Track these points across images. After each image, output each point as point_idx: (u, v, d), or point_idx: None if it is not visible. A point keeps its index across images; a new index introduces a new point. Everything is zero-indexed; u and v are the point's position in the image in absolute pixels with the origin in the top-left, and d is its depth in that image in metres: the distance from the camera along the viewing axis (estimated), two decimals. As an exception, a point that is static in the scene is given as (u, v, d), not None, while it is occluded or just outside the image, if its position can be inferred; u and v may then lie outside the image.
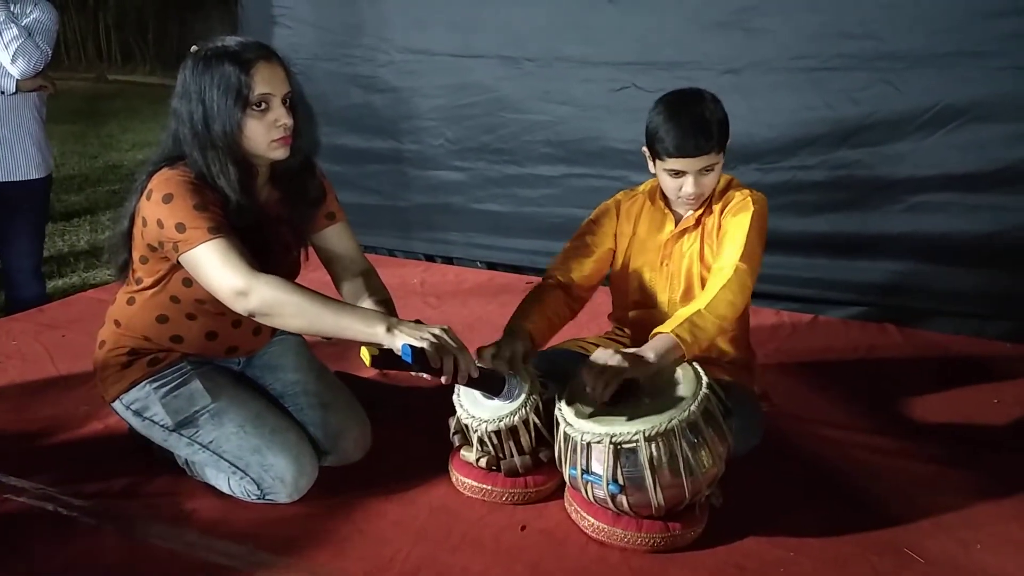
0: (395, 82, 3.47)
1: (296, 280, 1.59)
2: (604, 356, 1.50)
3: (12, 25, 2.64)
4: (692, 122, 1.65)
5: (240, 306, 1.46)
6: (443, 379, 1.42)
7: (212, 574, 1.45)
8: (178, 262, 1.52)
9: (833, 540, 1.56)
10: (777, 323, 2.80)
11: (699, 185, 1.69)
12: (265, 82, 1.51)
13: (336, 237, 1.77)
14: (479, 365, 1.49)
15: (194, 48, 1.56)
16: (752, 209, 1.70)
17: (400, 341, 1.38)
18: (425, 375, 1.43)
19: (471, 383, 1.49)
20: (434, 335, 1.40)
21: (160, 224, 1.49)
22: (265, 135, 1.53)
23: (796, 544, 1.54)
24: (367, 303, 1.67)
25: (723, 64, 2.85)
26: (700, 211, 1.77)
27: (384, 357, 1.41)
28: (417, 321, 1.48)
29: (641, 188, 1.89)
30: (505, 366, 1.60)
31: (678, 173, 1.68)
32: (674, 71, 2.84)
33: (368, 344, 1.42)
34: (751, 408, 1.78)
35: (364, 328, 1.42)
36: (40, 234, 2.99)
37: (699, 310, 1.57)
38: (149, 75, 16.42)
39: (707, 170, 1.68)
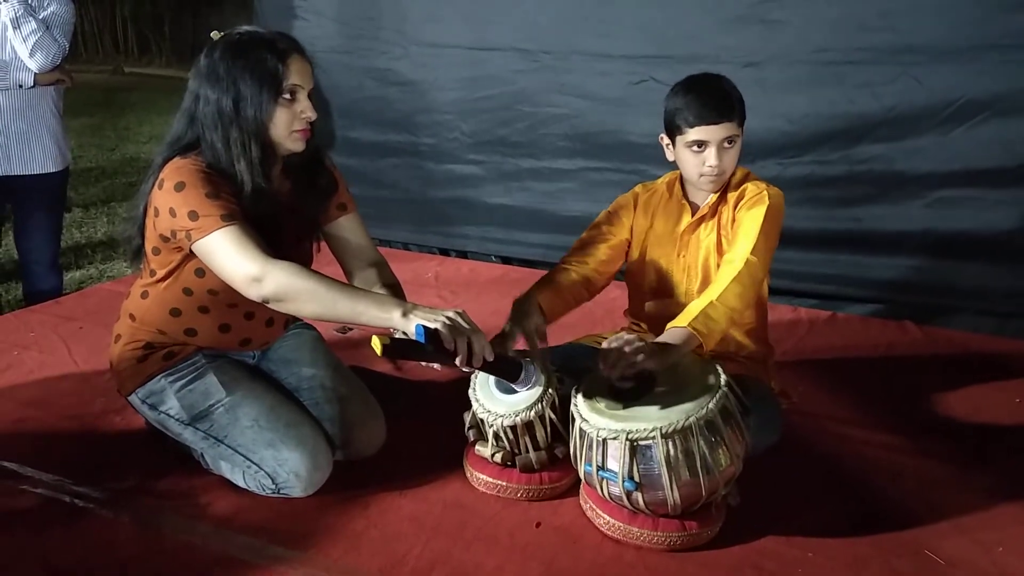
0: (411, 75, 3.46)
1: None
2: (622, 341, 1.46)
3: (30, 19, 2.65)
4: (712, 91, 1.69)
5: (255, 292, 1.45)
6: (457, 361, 1.40)
7: (227, 567, 1.45)
8: (191, 251, 1.52)
9: (851, 540, 1.54)
10: (795, 319, 2.77)
11: (721, 159, 1.68)
12: (298, 74, 1.54)
13: (347, 227, 1.77)
14: (495, 351, 1.47)
15: (219, 33, 1.57)
16: (767, 203, 1.69)
17: (415, 323, 1.38)
18: (436, 365, 1.42)
19: (487, 368, 1.47)
20: (448, 317, 1.40)
21: (173, 213, 1.50)
22: (288, 124, 1.56)
23: (814, 544, 1.53)
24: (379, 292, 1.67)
25: (742, 58, 2.82)
26: (716, 199, 1.75)
27: (396, 346, 1.39)
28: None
29: (659, 181, 1.89)
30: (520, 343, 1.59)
31: (700, 145, 1.68)
32: (692, 64, 2.75)
33: (380, 333, 1.41)
34: (769, 405, 1.76)
35: (380, 313, 1.42)
36: (57, 227, 3.01)
37: (711, 301, 1.56)
38: (165, 67, 16.52)
39: (728, 143, 1.68)
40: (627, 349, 1.44)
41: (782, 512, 1.61)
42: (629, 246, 1.89)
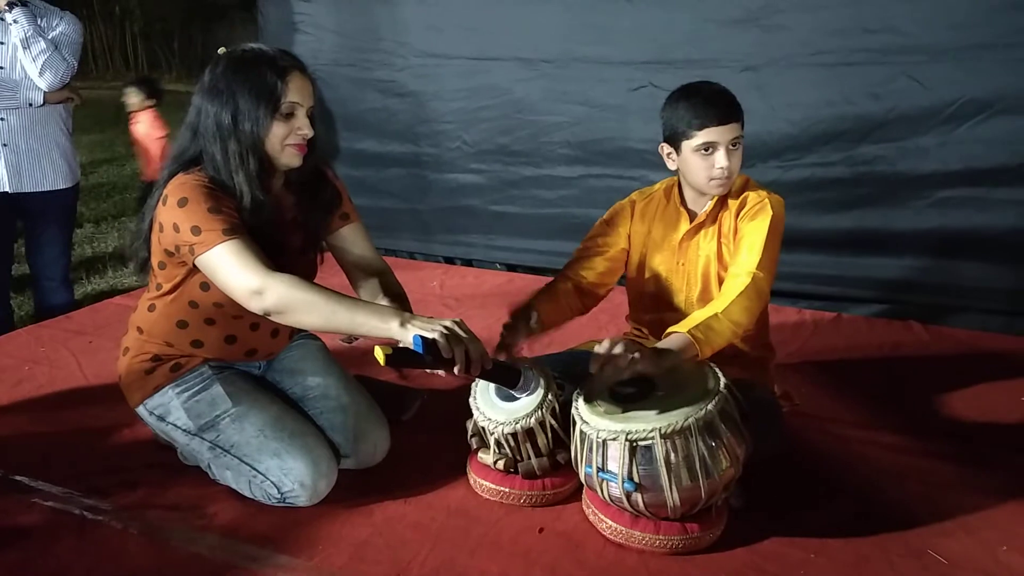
0: (413, 86, 3.50)
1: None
2: (613, 346, 1.47)
3: (40, 39, 2.69)
4: (716, 93, 1.69)
5: (256, 305, 1.47)
6: (456, 370, 1.41)
7: (234, 576, 1.47)
8: (195, 265, 1.54)
9: (855, 541, 1.54)
10: (800, 321, 2.77)
11: (731, 159, 1.67)
12: (297, 91, 1.56)
13: (350, 237, 1.79)
14: (493, 358, 1.48)
15: (225, 49, 1.60)
16: (771, 214, 1.69)
17: (412, 333, 1.39)
18: (440, 371, 1.43)
19: (485, 375, 1.48)
20: (445, 326, 1.41)
21: (176, 228, 1.52)
22: (283, 138, 1.57)
23: (817, 545, 1.53)
24: (383, 302, 1.68)
25: (741, 61, 2.84)
26: (715, 206, 1.76)
27: (398, 356, 1.41)
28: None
29: (656, 187, 1.89)
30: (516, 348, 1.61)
31: (710, 148, 1.67)
32: (691, 69, 2.82)
33: (382, 344, 1.42)
34: (770, 408, 1.76)
35: (378, 323, 1.43)
36: (68, 242, 3.04)
37: (716, 314, 1.56)
38: (175, 83, 16.64)
39: (734, 144, 1.68)
40: (617, 352, 1.44)
41: (785, 514, 1.62)
42: (628, 254, 1.89)
